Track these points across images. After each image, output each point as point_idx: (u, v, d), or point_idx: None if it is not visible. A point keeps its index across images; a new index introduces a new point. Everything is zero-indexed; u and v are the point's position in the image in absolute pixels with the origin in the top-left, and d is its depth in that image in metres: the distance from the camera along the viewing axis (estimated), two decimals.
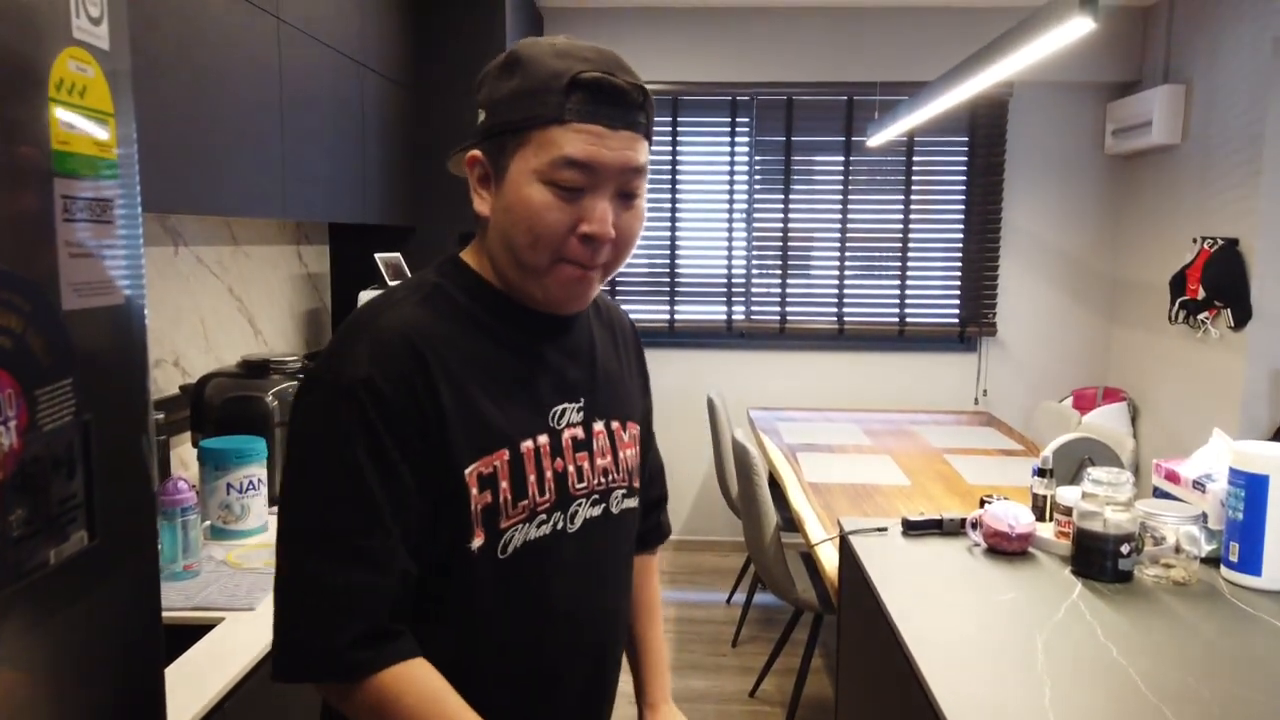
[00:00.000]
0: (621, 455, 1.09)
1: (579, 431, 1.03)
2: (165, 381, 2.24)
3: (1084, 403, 4.08)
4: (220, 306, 2.53)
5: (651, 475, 1.27)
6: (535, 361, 1.01)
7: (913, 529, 1.82)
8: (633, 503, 1.11)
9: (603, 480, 1.05)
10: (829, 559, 2.22)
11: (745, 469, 2.77)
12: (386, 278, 3.02)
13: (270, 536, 1.86)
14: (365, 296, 2.99)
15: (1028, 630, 1.35)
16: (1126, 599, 1.47)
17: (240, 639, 1.46)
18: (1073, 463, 1.96)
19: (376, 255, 3.04)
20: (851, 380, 4.42)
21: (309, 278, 3.18)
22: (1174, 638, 1.32)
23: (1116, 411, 3.97)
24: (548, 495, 0.99)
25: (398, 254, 3.17)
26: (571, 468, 1.01)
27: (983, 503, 1.76)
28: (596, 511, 1.05)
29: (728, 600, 3.87)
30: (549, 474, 0.99)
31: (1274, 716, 1.10)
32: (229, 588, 1.64)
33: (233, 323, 2.60)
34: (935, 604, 1.45)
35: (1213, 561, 1.61)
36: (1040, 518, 1.80)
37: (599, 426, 1.06)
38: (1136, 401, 4.05)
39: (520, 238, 0.93)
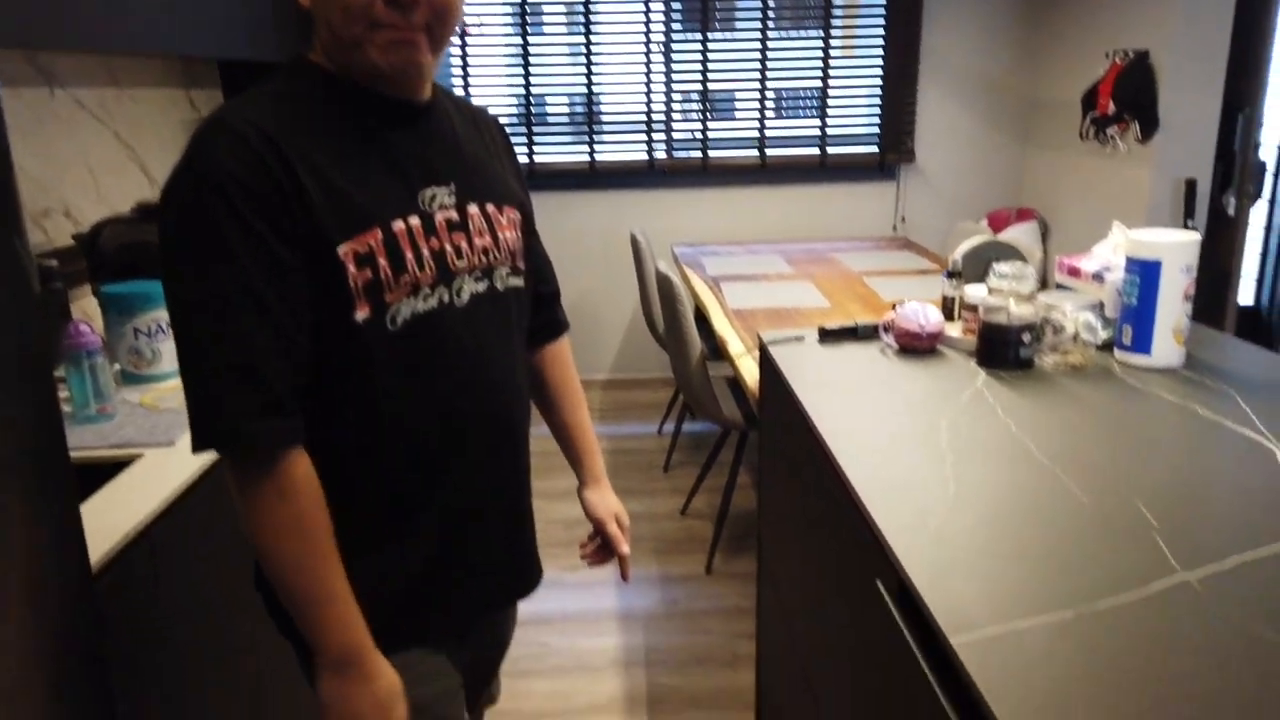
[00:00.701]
0: (501, 236, 1.13)
1: (453, 214, 1.07)
2: (57, 232, 2.12)
3: (998, 223, 4.18)
4: (109, 154, 2.38)
5: (543, 272, 1.33)
6: (394, 148, 1.04)
7: (829, 337, 1.87)
8: (518, 281, 1.16)
9: (484, 259, 1.10)
10: (750, 373, 2.29)
11: (670, 299, 2.79)
12: None
13: None
14: None
15: (934, 416, 1.42)
16: (1027, 384, 1.55)
17: (162, 471, 1.45)
18: (981, 265, 2.02)
19: None
20: (774, 213, 4.43)
21: (199, 122, 2.99)
22: (1068, 412, 1.41)
23: (1028, 230, 4.08)
24: (428, 271, 1.03)
25: None
26: (449, 246, 1.06)
27: (894, 307, 1.81)
28: (481, 288, 1.10)
29: (658, 430, 3.99)
30: (426, 252, 1.03)
31: (1154, 467, 1.19)
32: (146, 427, 1.62)
33: (124, 171, 2.45)
34: (849, 401, 1.51)
35: (1108, 349, 1.70)
36: (949, 318, 1.87)
37: (474, 209, 1.10)
38: (1048, 220, 4.15)
39: (334, 15, 0.98)
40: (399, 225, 1.01)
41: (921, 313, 1.75)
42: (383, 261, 0.98)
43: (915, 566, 0.97)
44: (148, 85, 2.61)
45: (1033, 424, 1.36)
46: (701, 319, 3.15)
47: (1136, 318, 1.59)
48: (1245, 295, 4.09)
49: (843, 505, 1.25)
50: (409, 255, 1.01)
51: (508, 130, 1.26)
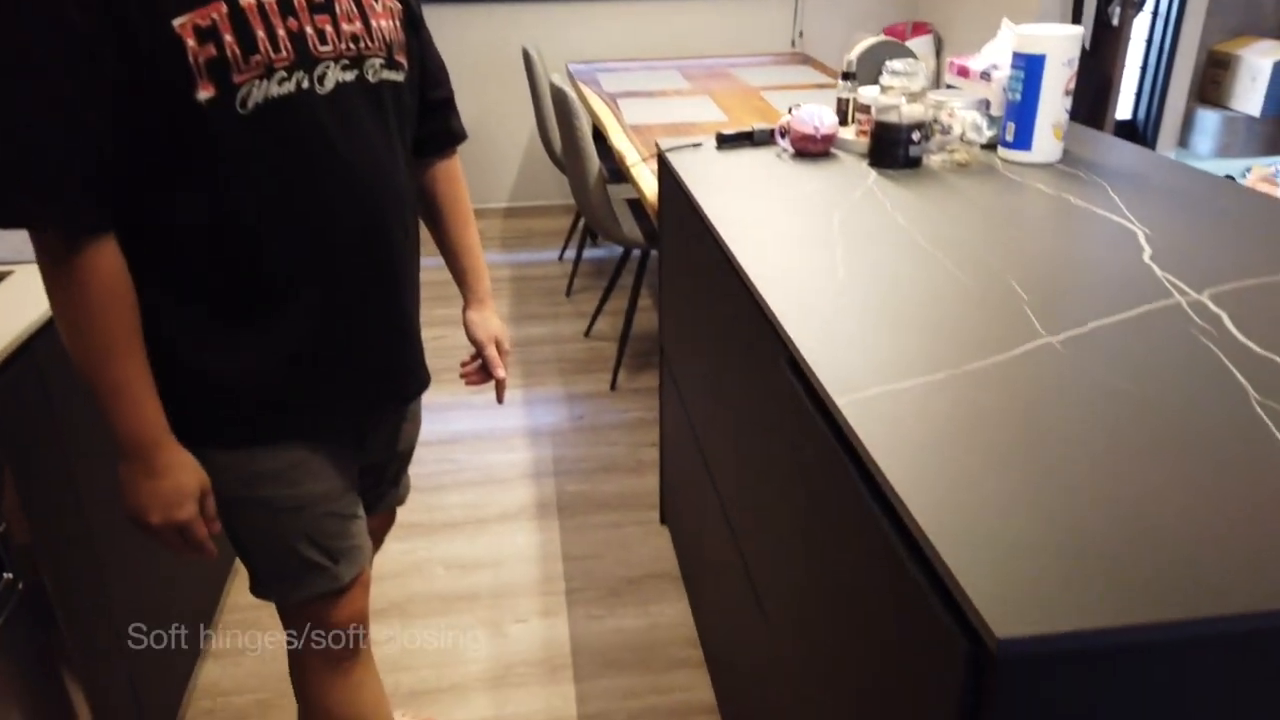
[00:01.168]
0: (375, 24, 1.06)
1: None
2: None
3: (894, 36, 4.15)
4: None
5: (434, 76, 1.26)
6: None
7: (726, 142, 1.87)
8: (395, 76, 1.09)
9: (353, 46, 1.03)
10: (649, 185, 2.28)
11: (565, 115, 2.71)
12: None
13: None
14: None
15: (826, 212, 1.45)
16: (915, 181, 1.59)
17: (38, 286, 1.38)
18: (876, 67, 2.02)
19: None
20: (670, 29, 4.28)
21: None
22: (952, 205, 1.46)
23: (923, 43, 4.07)
24: (284, 53, 0.97)
25: None
26: (310, 29, 0.99)
27: (790, 110, 1.81)
28: (350, 77, 1.03)
29: (559, 257, 3.97)
30: (281, 32, 0.96)
31: (1028, 251, 1.25)
32: (16, 244, 1.52)
33: None
34: (746, 203, 1.53)
35: (992, 148, 1.75)
36: (844, 121, 1.88)
37: None
38: (941, 34, 4.15)
39: None
40: (247, 0, 0.94)
41: (816, 115, 1.76)
42: (228, 38, 0.92)
43: (807, 343, 1.02)
44: None
45: (919, 216, 1.41)
46: (599, 139, 3.09)
47: (1019, 114, 1.63)
48: (1124, 109, 4.23)
49: (740, 298, 1.29)
50: (260, 33, 0.94)
51: None
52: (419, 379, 1.26)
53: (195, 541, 1.07)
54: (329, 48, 1.00)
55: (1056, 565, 0.66)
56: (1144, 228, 1.32)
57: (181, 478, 1.03)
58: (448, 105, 1.29)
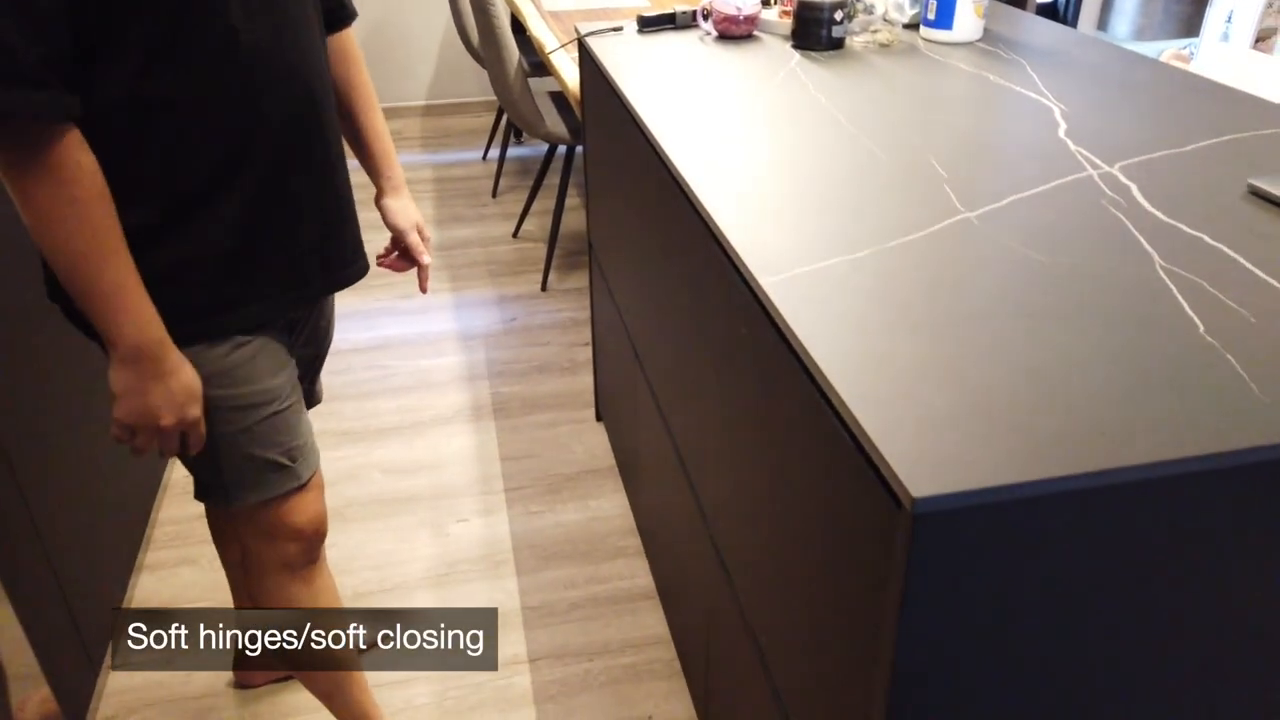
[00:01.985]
0: None
1: None
2: None
3: None
4: None
5: None
6: None
7: (648, 25, 1.81)
8: None
9: None
10: (570, 75, 2.21)
11: (481, 4, 2.60)
12: None
13: None
14: None
15: (750, 96, 1.43)
16: (838, 62, 1.57)
17: None
18: None
19: None
20: None
21: None
22: (874, 85, 1.45)
23: None
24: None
25: None
26: None
27: None
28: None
29: (483, 156, 3.86)
30: None
31: (948, 129, 1.26)
32: None
33: None
34: (669, 89, 1.49)
35: (915, 27, 1.73)
36: (765, 2, 1.84)
37: None
38: None
39: None
40: None
41: None
42: None
43: (732, 228, 1.02)
44: None
45: (841, 98, 1.39)
46: (519, 30, 2.97)
47: None
48: None
49: (666, 186, 1.27)
50: None
51: None
52: (358, 265, 1.23)
53: (199, 438, 1.06)
54: None
55: (970, 426, 0.69)
56: (1060, 104, 1.33)
57: (187, 375, 1.02)
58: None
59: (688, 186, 1.14)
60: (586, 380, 2.40)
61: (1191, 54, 4.02)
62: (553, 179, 3.44)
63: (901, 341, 0.80)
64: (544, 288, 2.86)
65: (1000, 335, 0.80)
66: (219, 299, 1.06)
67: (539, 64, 2.89)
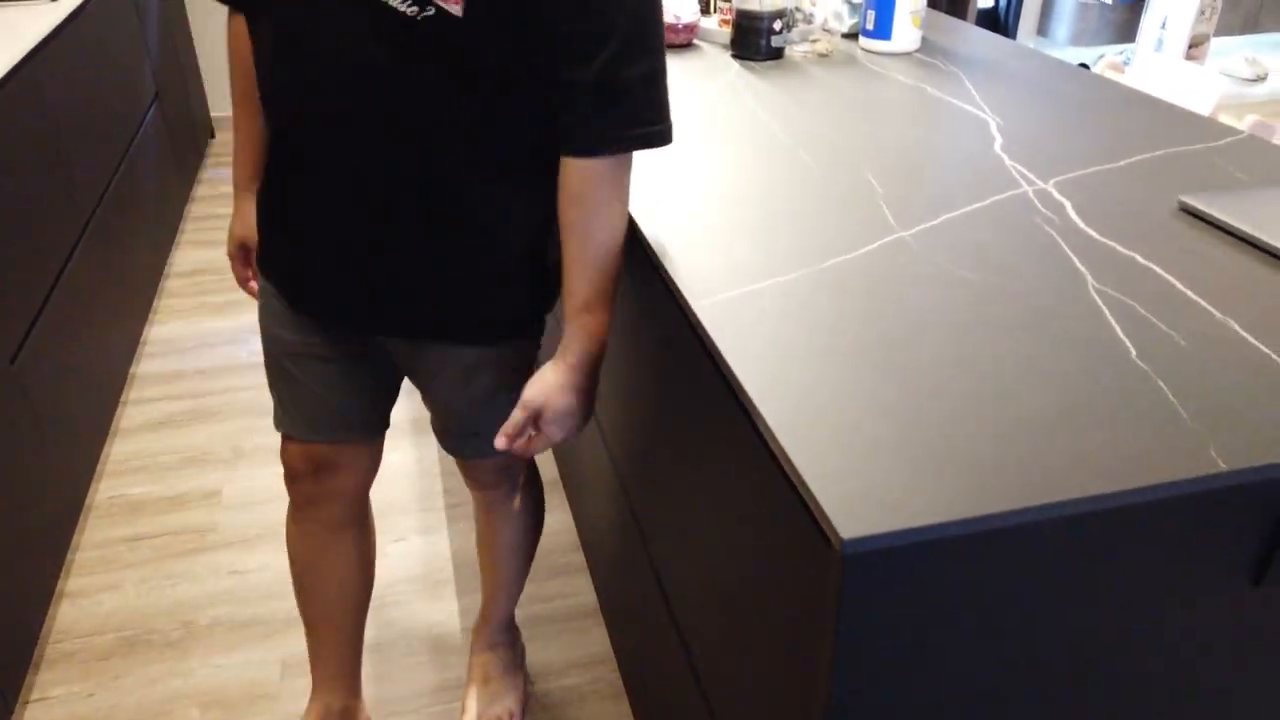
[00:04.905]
0: None
1: None
2: None
3: None
4: None
5: (564, 46, 0.92)
6: None
7: None
8: (411, 9, 0.89)
9: None
10: None
11: None
12: None
13: None
14: None
15: (689, 106, 1.41)
16: (777, 72, 1.56)
17: None
18: None
19: None
20: None
21: None
22: (812, 97, 1.43)
23: None
24: None
25: None
26: None
27: None
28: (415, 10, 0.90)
29: None
30: None
31: (884, 143, 1.25)
32: None
33: None
34: None
35: (854, 37, 1.72)
36: (705, 10, 1.82)
37: None
38: None
39: None
40: None
41: (678, 5, 1.69)
42: None
43: (665, 245, 0.99)
44: None
45: (780, 110, 1.38)
46: None
47: (879, 3, 1.60)
48: None
49: None
50: None
51: None
52: (390, 321, 1.08)
53: (237, 277, 1.29)
54: None
55: (902, 460, 0.67)
56: (996, 117, 1.33)
57: (235, 221, 1.23)
58: (605, 91, 0.92)
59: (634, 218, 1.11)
60: None
61: (1126, 60, 4.11)
62: None
63: (834, 369, 0.78)
64: None
65: (932, 361, 0.78)
66: (261, 235, 1.14)
67: None
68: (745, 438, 0.77)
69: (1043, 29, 4.63)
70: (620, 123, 0.92)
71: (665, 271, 0.95)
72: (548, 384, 1.01)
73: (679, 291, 0.91)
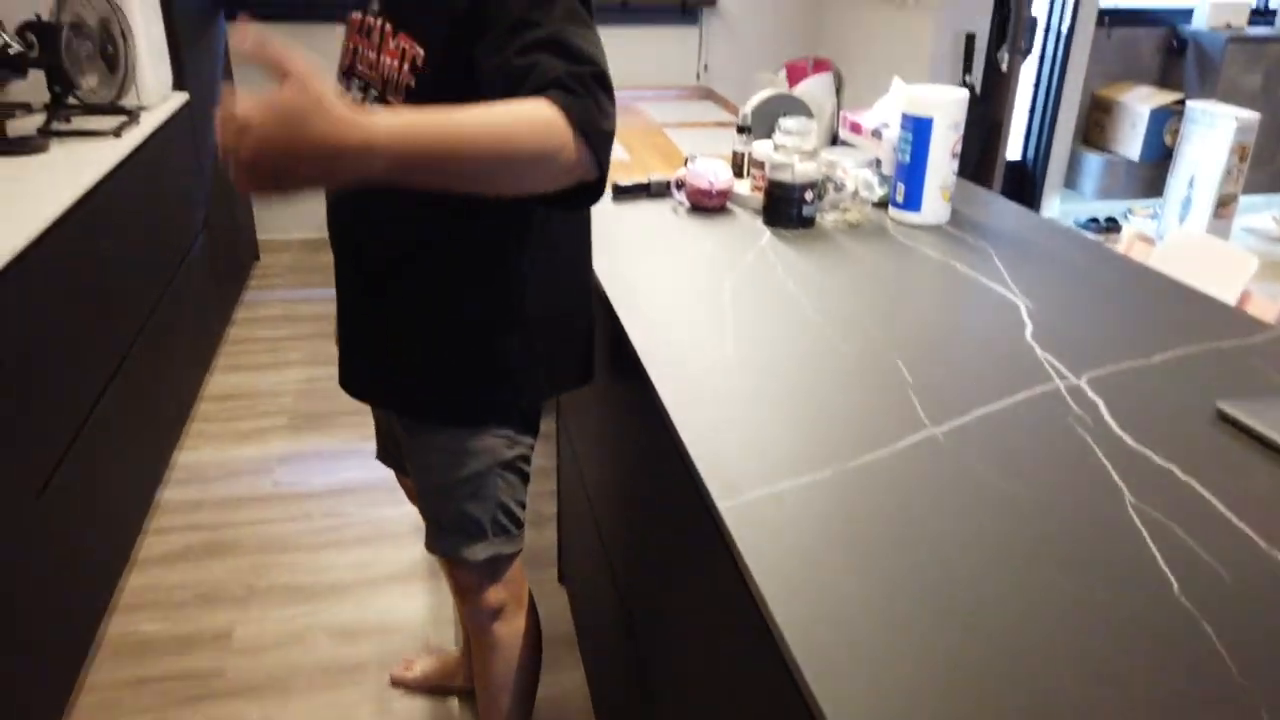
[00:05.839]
0: (382, 60, 1.13)
1: (371, 19, 1.16)
2: None
3: (796, 74, 4.20)
4: None
5: (514, 71, 0.97)
6: None
7: (622, 194, 1.83)
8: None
9: (369, 72, 1.16)
10: None
11: None
12: None
13: None
14: None
15: (718, 275, 1.43)
16: (807, 241, 1.58)
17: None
18: (770, 120, 2.01)
19: None
20: None
21: None
22: (842, 270, 1.45)
23: (823, 82, 4.14)
24: (341, 62, 1.21)
25: None
26: (354, 46, 1.18)
27: (686, 163, 1.79)
28: (359, 96, 1.17)
29: None
30: (350, 44, 1.19)
31: (914, 324, 1.25)
32: None
33: None
34: (639, 260, 1.49)
35: (884, 206, 1.76)
36: (739, 174, 1.87)
37: (380, 23, 1.14)
38: (841, 71, 4.22)
39: None
40: (356, 15, 1.18)
41: (711, 170, 1.74)
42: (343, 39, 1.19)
43: (689, 431, 0.98)
44: None
45: (809, 283, 1.39)
46: None
47: (909, 175, 1.64)
48: (1014, 150, 4.39)
49: (627, 368, 1.24)
50: (347, 42, 1.18)
51: None
52: (359, 384, 1.30)
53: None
54: (362, 67, 1.16)
55: (924, 701, 0.64)
56: (1026, 299, 1.33)
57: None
58: (556, 81, 0.95)
59: (650, 381, 1.11)
60: (551, 536, 2.32)
61: (1155, 215, 4.15)
62: None
63: (862, 589, 0.75)
64: None
65: (965, 587, 0.75)
66: None
67: None
68: (767, 655, 0.74)
69: (1070, 182, 4.72)
70: (568, 98, 0.91)
71: (691, 462, 0.94)
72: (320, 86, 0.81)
73: (704, 487, 0.89)
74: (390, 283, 1.19)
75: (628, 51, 4.29)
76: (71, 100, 2.26)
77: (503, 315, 1.19)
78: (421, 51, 1.08)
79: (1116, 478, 0.90)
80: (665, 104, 3.67)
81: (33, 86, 2.25)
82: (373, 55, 1.13)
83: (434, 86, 1.07)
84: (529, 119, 0.89)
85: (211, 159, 3.20)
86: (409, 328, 1.20)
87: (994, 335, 1.23)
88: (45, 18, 2.18)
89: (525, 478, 1.34)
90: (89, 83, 2.26)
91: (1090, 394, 1.07)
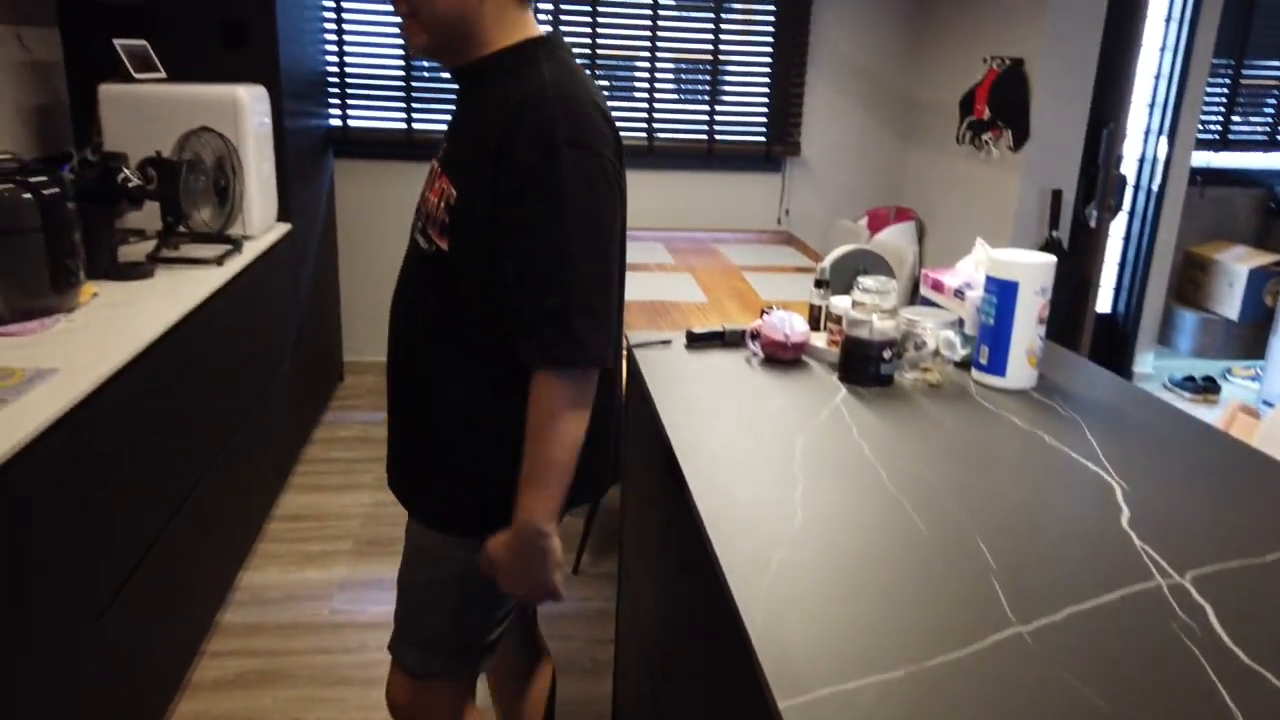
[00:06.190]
0: (429, 196, 1.29)
1: (435, 165, 1.32)
2: None
3: (877, 222, 4.24)
4: None
5: (512, 282, 1.21)
6: (456, 105, 1.35)
7: (696, 341, 1.82)
8: (423, 242, 1.29)
9: (424, 207, 1.31)
10: (620, 373, 2.22)
11: None
12: (131, 68, 2.62)
13: None
14: (109, 90, 2.58)
15: (790, 433, 1.38)
16: (885, 401, 1.53)
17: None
18: (850, 274, 2.00)
19: (117, 41, 2.62)
20: (660, 199, 4.38)
21: (35, 66, 2.71)
22: (922, 435, 1.39)
23: (905, 230, 4.15)
24: (417, 202, 1.35)
25: (143, 41, 2.74)
26: (425, 189, 1.33)
27: (763, 314, 1.78)
28: (415, 234, 1.33)
29: None
30: (424, 187, 1.33)
31: (999, 500, 1.18)
32: None
33: None
34: (709, 413, 1.46)
35: (966, 365, 1.70)
36: (815, 327, 1.85)
37: (437, 166, 1.30)
38: (924, 220, 4.24)
39: None
40: (433, 161, 1.34)
41: (787, 322, 1.72)
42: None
43: (753, 611, 0.92)
44: None
45: (886, 447, 1.34)
46: None
47: (993, 338, 1.59)
48: (1104, 302, 4.29)
49: (689, 529, 1.20)
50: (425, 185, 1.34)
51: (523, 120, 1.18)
52: (394, 482, 1.42)
53: None
54: (425, 207, 1.31)
55: None
56: (1121, 481, 1.25)
57: None
58: (525, 317, 1.19)
59: (711, 545, 1.06)
60: (606, 687, 2.22)
61: (1257, 378, 3.96)
62: None
63: None
64: (576, 569, 2.75)
65: None
66: None
67: None
68: None
69: (1164, 338, 4.57)
70: (533, 347, 1.18)
71: (754, 654, 0.88)
72: (498, 537, 1.27)
73: (767, 685, 0.83)
74: (418, 398, 1.34)
75: (710, 194, 4.40)
76: (181, 228, 2.40)
77: (509, 441, 1.26)
78: (455, 193, 1.24)
79: (1229, 700, 0.81)
80: (745, 247, 3.72)
81: (148, 214, 2.40)
82: (427, 193, 1.31)
83: (462, 225, 1.23)
84: (549, 416, 1.19)
85: (309, 284, 3.35)
86: (420, 431, 1.35)
87: (1087, 519, 1.14)
88: (166, 153, 2.35)
89: (499, 602, 1.38)
90: (201, 215, 2.40)
91: (1196, 596, 0.97)
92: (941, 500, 1.18)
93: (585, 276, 1.17)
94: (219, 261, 2.35)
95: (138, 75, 2.63)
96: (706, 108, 4.28)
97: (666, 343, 1.83)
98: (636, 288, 2.99)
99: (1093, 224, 3.51)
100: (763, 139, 4.35)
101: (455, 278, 1.26)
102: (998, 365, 1.59)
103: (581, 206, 1.16)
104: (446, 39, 1.24)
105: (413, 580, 1.40)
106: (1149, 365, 4.39)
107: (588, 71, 4.10)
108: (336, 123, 3.99)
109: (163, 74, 2.77)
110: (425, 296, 1.30)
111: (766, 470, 1.26)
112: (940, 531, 1.10)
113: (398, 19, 1.25)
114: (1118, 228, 4.10)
